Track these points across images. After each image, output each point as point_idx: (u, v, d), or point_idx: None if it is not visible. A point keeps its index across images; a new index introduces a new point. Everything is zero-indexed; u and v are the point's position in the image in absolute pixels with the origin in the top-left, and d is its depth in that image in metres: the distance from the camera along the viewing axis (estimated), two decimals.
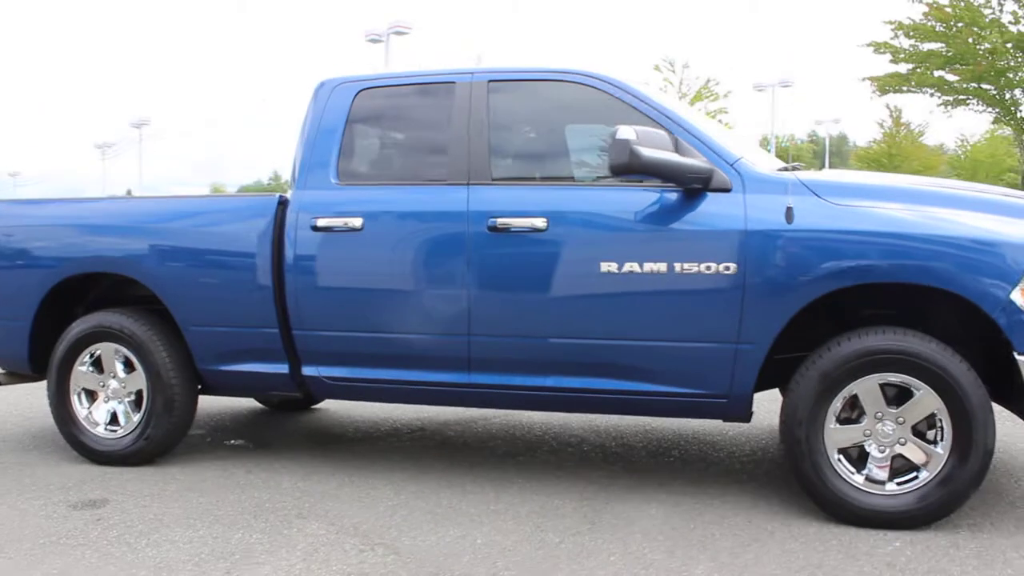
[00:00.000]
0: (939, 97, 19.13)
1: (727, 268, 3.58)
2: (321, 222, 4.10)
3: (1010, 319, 3.33)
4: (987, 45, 13.00)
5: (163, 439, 4.50)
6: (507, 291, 3.88)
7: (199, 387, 4.58)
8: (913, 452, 3.50)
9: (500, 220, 3.85)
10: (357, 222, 4.05)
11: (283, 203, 4.26)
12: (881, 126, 29.39)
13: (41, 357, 4.78)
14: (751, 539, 3.44)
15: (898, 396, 3.51)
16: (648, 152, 3.47)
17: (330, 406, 6.11)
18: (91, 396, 4.65)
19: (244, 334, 4.31)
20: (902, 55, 14.51)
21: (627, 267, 3.69)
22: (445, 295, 3.95)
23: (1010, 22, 13.20)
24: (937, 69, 17.57)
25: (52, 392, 4.62)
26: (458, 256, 3.91)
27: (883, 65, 18.19)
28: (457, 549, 3.37)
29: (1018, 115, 18.89)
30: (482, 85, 4.08)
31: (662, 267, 3.65)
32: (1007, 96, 18.25)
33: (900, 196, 3.62)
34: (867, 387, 3.50)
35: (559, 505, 3.85)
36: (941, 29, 13.89)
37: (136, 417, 4.51)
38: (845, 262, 3.49)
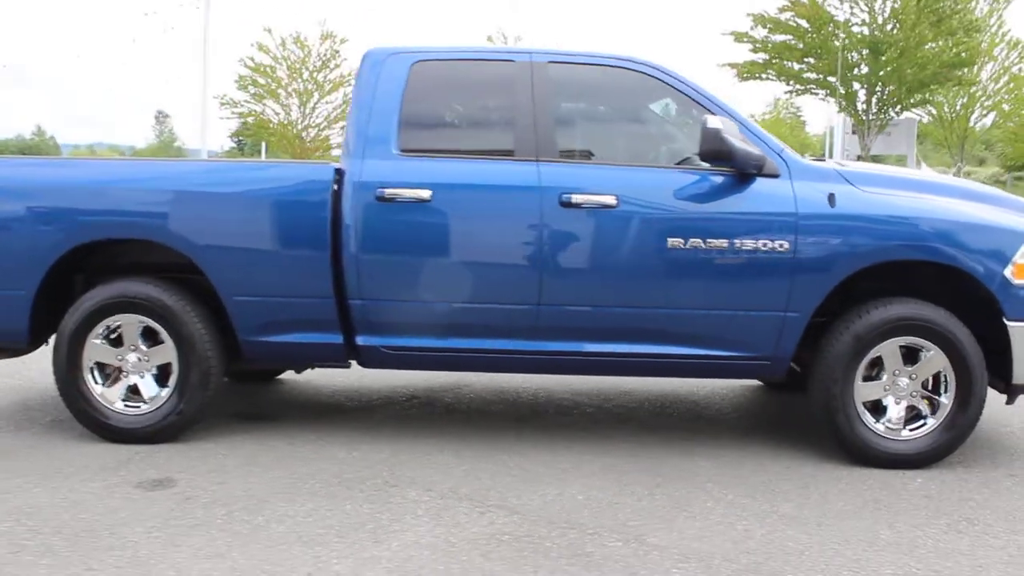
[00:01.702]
0: (790, 85, 21.17)
1: (780, 245, 4.06)
2: (387, 192, 4.13)
3: (1004, 292, 4.06)
4: (836, 43, 14.58)
5: (195, 414, 4.37)
6: (577, 263, 4.15)
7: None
8: (923, 403, 4.18)
9: (573, 196, 4.09)
10: (425, 193, 4.13)
11: (338, 172, 4.23)
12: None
13: (39, 331, 4.45)
14: (802, 483, 3.98)
15: (909, 356, 4.16)
16: (732, 140, 3.87)
17: (292, 377, 6.02)
18: (103, 370, 4.39)
19: (295, 304, 4.26)
20: (759, 45, 15.89)
21: (691, 242, 4.08)
22: (515, 266, 4.15)
23: (857, 23, 14.86)
24: (793, 61, 19.39)
25: (61, 367, 4.31)
26: (530, 229, 4.12)
27: (743, 54, 20.04)
28: (570, 506, 3.64)
29: (857, 106, 21.23)
30: (542, 66, 4.28)
31: (723, 243, 4.08)
32: (851, 88, 20.54)
33: (918, 187, 4.27)
34: (890, 349, 4.13)
35: (616, 463, 4.20)
36: (803, 25, 15.35)
37: (164, 392, 4.33)
38: (878, 242, 4.08)
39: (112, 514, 3.45)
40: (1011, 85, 33.78)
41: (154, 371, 4.38)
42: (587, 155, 4.35)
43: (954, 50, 14.93)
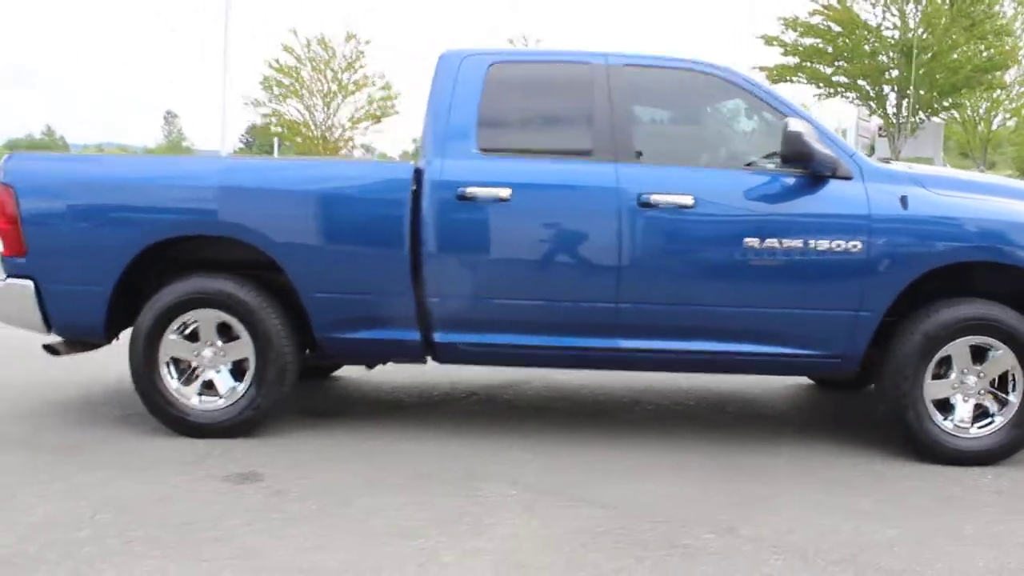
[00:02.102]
0: (822, 88, 21.32)
1: (854, 246, 4.12)
2: (468, 191, 4.19)
3: None
4: (867, 47, 14.72)
5: (270, 409, 4.41)
6: (656, 262, 4.21)
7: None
8: (991, 401, 4.25)
9: (652, 196, 4.15)
10: (505, 192, 4.19)
11: (416, 171, 4.29)
12: None
13: (114, 325, 4.50)
14: (874, 479, 4.05)
15: (977, 354, 4.23)
16: (813, 142, 3.93)
17: (348, 373, 6.07)
18: (177, 365, 4.43)
19: (373, 301, 4.32)
20: (790, 49, 16.03)
21: (767, 243, 4.14)
22: (595, 265, 4.21)
23: (888, 27, 15.00)
24: (824, 64, 19.53)
25: (138, 362, 4.36)
26: (609, 229, 4.17)
27: (774, 57, 20.19)
28: (654, 500, 3.70)
29: (888, 108, 21.39)
30: (618, 69, 4.34)
31: (798, 243, 4.14)
32: (882, 91, 20.69)
33: (986, 189, 4.35)
34: (959, 348, 4.19)
35: (688, 459, 4.26)
36: (834, 28, 15.48)
37: (240, 387, 4.38)
38: (949, 244, 4.15)
39: (207, 507, 3.49)
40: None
41: (229, 366, 4.42)
42: (662, 156, 4.40)
43: (985, 54, 15.08)
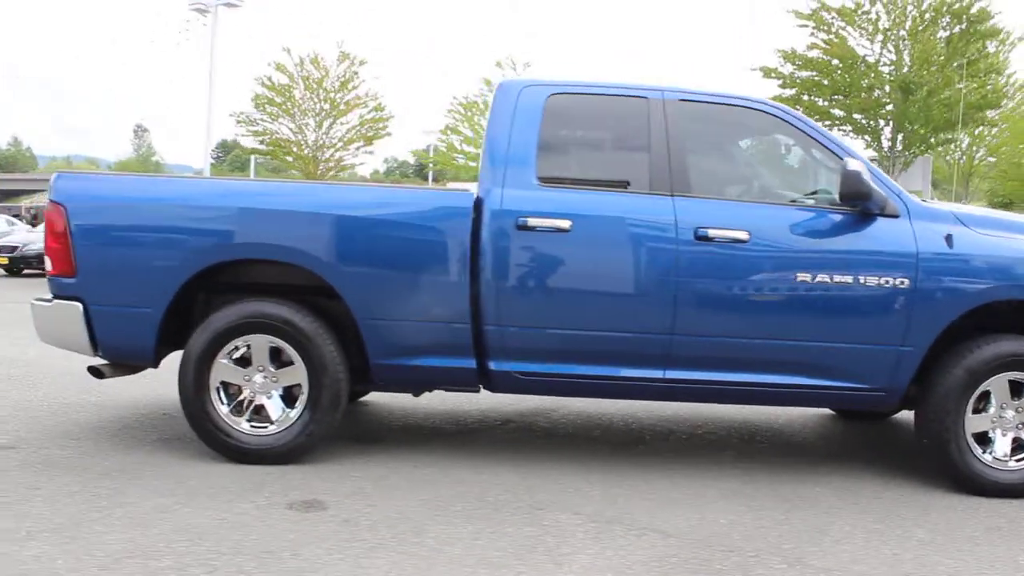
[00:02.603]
0: (818, 120, 21.73)
1: (902, 283, 4.25)
2: (530, 221, 4.24)
3: None
4: (865, 82, 15.10)
5: (323, 436, 4.40)
6: (711, 295, 4.29)
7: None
8: (1020, 433, 4.38)
9: (709, 230, 4.24)
10: (565, 224, 4.25)
11: (476, 200, 4.33)
12: None
13: (163, 349, 4.46)
14: (922, 510, 4.14)
15: (1014, 390, 4.37)
16: (871, 182, 4.06)
17: (376, 399, 6.08)
18: (226, 390, 4.41)
19: (430, 328, 4.34)
20: (788, 81, 16.41)
21: (819, 278, 4.25)
22: (651, 296, 4.28)
23: (885, 64, 15.39)
24: (821, 97, 19.96)
25: (189, 387, 4.33)
26: (666, 261, 4.25)
27: (772, 89, 20.45)
28: (717, 529, 3.76)
29: (882, 142, 21.89)
30: (674, 104, 4.44)
31: (848, 279, 4.25)
32: (878, 125, 21.16)
33: (1021, 229, 4.49)
34: (998, 383, 4.33)
35: (738, 488, 4.34)
36: (834, 62, 15.90)
37: (293, 413, 4.37)
38: (992, 282, 4.29)
39: (282, 536, 3.48)
40: (1004, 126, 34.99)
41: (280, 392, 4.41)
42: (716, 190, 4.50)
43: (979, 91, 15.61)
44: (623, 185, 4.43)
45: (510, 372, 4.37)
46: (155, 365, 4.56)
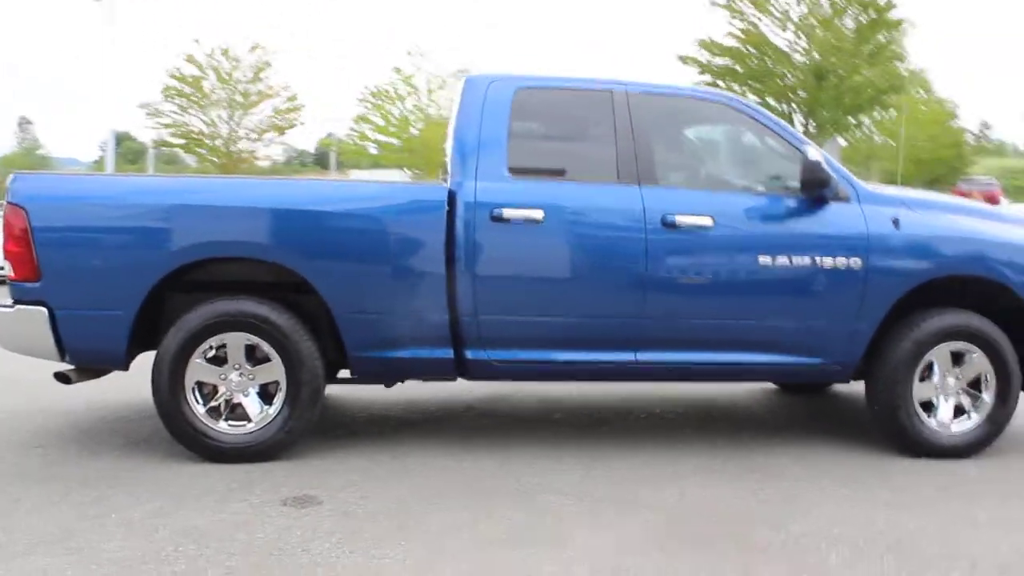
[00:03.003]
0: None
1: (855, 263, 4.52)
2: (504, 213, 4.33)
3: None
4: (780, 69, 15.63)
5: (302, 431, 4.40)
6: (678, 279, 4.47)
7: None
8: (967, 401, 4.74)
9: (676, 217, 4.41)
10: (538, 214, 4.35)
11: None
12: None
13: (133, 351, 4.37)
14: (883, 473, 4.42)
15: (955, 359, 4.71)
16: (829, 170, 4.31)
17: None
18: (200, 390, 4.35)
19: (408, 320, 4.38)
20: (705, 68, 16.81)
21: (779, 260, 4.48)
22: (622, 283, 4.43)
23: (799, 52, 15.93)
24: (737, 84, 20.47)
25: (164, 388, 4.25)
26: (636, 248, 4.41)
27: (693, 76, 20.72)
28: (703, 502, 3.95)
29: (796, 125, 22.57)
30: (637, 96, 4.59)
31: (806, 260, 4.50)
32: (791, 110, 21.83)
33: (959, 210, 4.84)
34: (941, 353, 4.66)
35: (709, 463, 4.54)
36: (750, 51, 16.37)
37: (271, 410, 4.35)
38: (937, 260, 4.61)
39: (287, 532, 3.48)
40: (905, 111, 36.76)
41: (257, 389, 4.38)
42: (679, 179, 4.67)
43: (885, 78, 16.42)
44: (592, 176, 4.55)
45: (487, 360, 4.45)
46: (125, 368, 4.46)
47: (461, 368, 4.52)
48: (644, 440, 4.96)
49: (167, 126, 16.70)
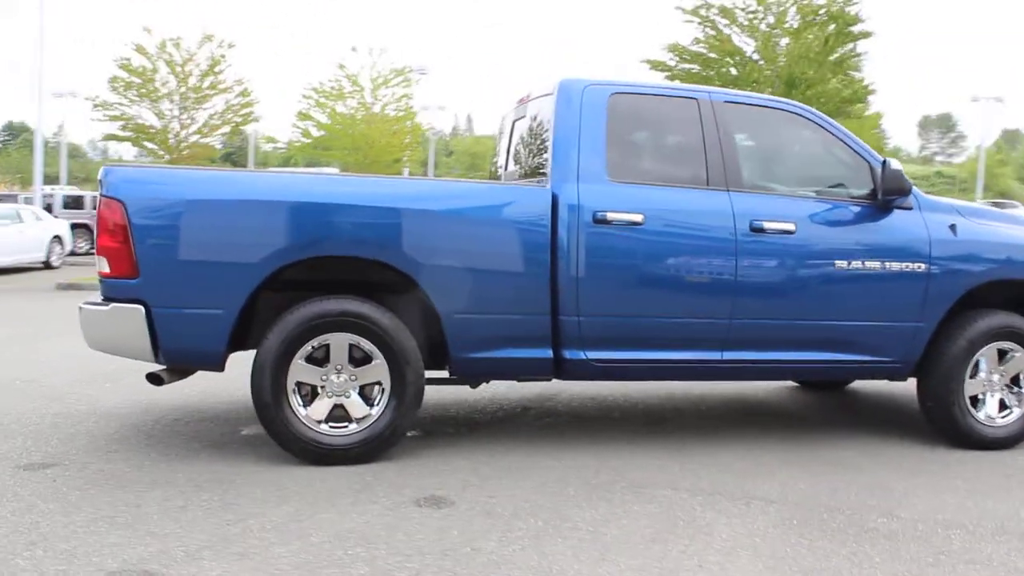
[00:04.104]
0: None
1: (919, 267, 4.82)
2: (610, 215, 4.42)
3: None
4: (741, 75, 16.12)
5: (404, 432, 4.38)
6: (763, 282, 4.66)
7: None
8: (1009, 397, 5.11)
9: (763, 222, 4.61)
10: (638, 217, 4.47)
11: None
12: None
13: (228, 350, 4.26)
14: (947, 462, 4.73)
15: (1000, 356, 5.06)
16: (908, 179, 4.58)
17: None
18: (300, 391, 4.28)
19: (511, 321, 4.41)
20: (675, 74, 17.07)
21: (853, 264, 4.73)
22: (713, 284, 4.59)
23: (767, 59, 16.43)
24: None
25: (265, 390, 4.16)
26: (726, 251, 4.58)
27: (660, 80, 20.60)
28: (806, 493, 4.13)
29: None
30: (721, 104, 4.76)
31: (877, 265, 4.77)
32: None
33: (1004, 218, 5.21)
34: (989, 351, 5.01)
35: (786, 456, 4.75)
36: (724, 58, 16.74)
37: (375, 411, 4.31)
38: (989, 265, 4.96)
39: (444, 533, 3.47)
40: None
41: (358, 390, 4.33)
42: (761, 186, 4.86)
43: (850, 88, 17.19)
44: (684, 181, 4.69)
45: (585, 360, 4.53)
46: (220, 368, 4.33)
47: (558, 368, 4.58)
48: (711, 436, 5.13)
49: (115, 119, 15.92)
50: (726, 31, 16.16)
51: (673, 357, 4.65)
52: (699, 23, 16.63)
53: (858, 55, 17.00)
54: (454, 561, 3.21)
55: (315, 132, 21.44)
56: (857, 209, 4.85)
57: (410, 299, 4.39)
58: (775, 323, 4.72)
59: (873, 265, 4.77)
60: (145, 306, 4.08)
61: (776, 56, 16.37)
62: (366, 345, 4.27)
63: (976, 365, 5.03)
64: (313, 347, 4.25)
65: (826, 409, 6.15)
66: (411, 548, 3.31)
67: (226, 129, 16.49)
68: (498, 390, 6.05)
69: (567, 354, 4.52)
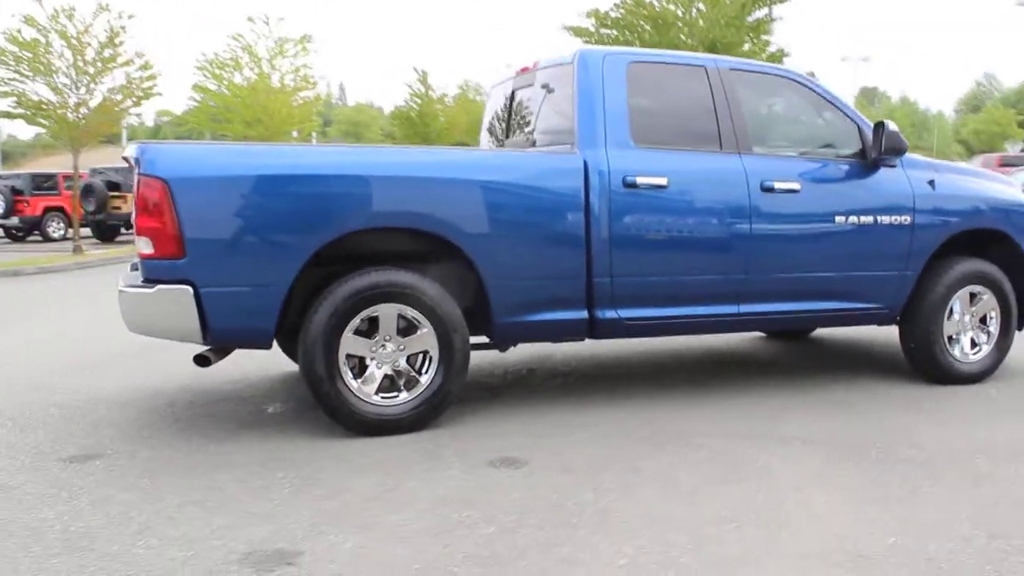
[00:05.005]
0: None
1: (905, 220, 5.22)
2: (638, 180, 4.58)
3: None
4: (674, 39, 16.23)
5: (454, 399, 4.45)
6: (774, 238, 4.94)
7: None
8: (979, 335, 5.61)
9: (773, 183, 4.88)
10: (663, 180, 4.65)
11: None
12: (410, 87, 32.45)
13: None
14: (936, 398, 5.16)
15: (971, 299, 5.54)
16: (904, 139, 4.94)
17: None
18: (349, 361, 4.27)
19: (550, 284, 4.53)
20: (597, 39, 17.04)
21: (851, 219, 5.09)
22: (732, 241, 4.83)
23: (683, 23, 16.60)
24: None
25: (319, 364, 4.14)
26: (742, 211, 4.83)
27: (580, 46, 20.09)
28: (835, 432, 4.44)
29: None
30: (727, 72, 4.99)
31: (870, 219, 5.14)
32: None
33: (972, 173, 5.68)
34: (963, 295, 5.49)
35: (794, 401, 5.08)
36: (642, 25, 16.77)
37: (424, 379, 4.35)
38: (964, 216, 5.42)
39: (535, 490, 3.57)
40: None
41: (406, 360, 4.36)
42: (766, 148, 5.11)
43: (764, 53, 17.67)
44: (699, 145, 4.89)
45: (618, 319, 4.70)
46: (269, 346, 4.27)
47: (591, 328, 4.73)
48: (715, 387, 5.40)
49: (6, 95, 14.62)
50: None
51: (696, 312, 4.88)
52: None
53: (773, 19, 17.67)
54: (569, 514, 3.33)
55: (212, 104, 20.64)
56: (849, 168, 5.19)
57: (447, 268, 4.44)
58: (784, 276, 5.02)
59: (867, 220, 5.13)
60: (193, 286, 3.97)
61: (695, 20, 16.81)
62: (411, 314, 4.30)
63: (951, 308, 5.49)
64: (361, 319, 4.24)
65: (802, 356, 6.55)
66: (517, 507, 3.40)
67: (128, 104, 15.61)
68: (494, 354, 6.15)
69: (600, 314, 4.68)
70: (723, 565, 2.93)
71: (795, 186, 4.96)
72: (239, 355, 4.98)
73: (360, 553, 2.97)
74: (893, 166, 5.27)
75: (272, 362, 5.83)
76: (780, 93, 5.31)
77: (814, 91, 5.24)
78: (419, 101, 32.42)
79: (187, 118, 24.18)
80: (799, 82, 5.23)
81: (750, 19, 17.46)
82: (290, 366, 5.69)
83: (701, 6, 16.81)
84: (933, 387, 5.43)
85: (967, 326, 5.57)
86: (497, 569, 2.86)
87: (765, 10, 17.36)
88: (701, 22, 16.60)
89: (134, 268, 4.85)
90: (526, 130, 5.34)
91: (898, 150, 5.07)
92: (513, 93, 5.55)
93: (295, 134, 22.04)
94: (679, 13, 17.00)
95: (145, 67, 15.30)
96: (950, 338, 5.51)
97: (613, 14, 17.33)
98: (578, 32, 17.81)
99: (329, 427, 4.37)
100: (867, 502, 3.52)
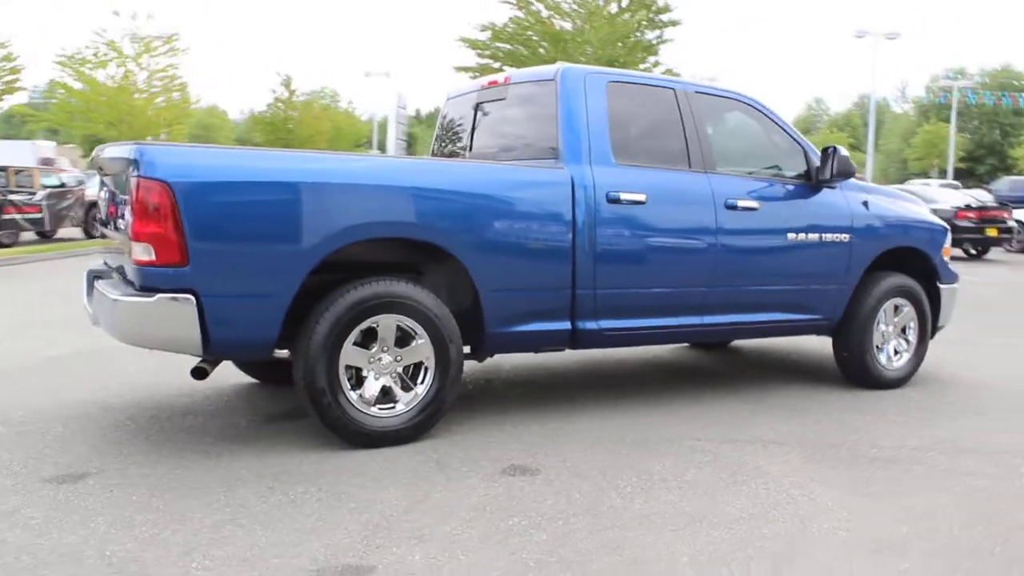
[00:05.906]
0: None
1: (844, 237, 5.65)
2: (621, 195, 4.76)
3: (939, 265, 6.20)
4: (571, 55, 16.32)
5: (447, 408, 4.44)
6: (737, 253, 5.23)
7: None
8: (901, 343, 6.13)
9: (736, 200, 5.18)
10: (642, 197, 4.84)
11: None
12: (273, 92, 31.41)
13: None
14: (872, 402, 5.60)
15: (895, 310, 6.05)
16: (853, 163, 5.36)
17: None
18: (347, 372, 4.20)
19: (538, 296, 4.61)
20: (487, 51, 16.91)
21: (800, 236, 5.46)
22: (701, 256, 5.08)
23: (580, 41, 16.79)
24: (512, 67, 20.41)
25: (320, 376, 4.05)
26: (710, 227, 5.09)
27: (473, 59, 19.87)
28: (818, 430, 4.76)
29: None
30: (692, 94, 5.26)
31: (816, 236, 5.53)
32: None
33: (895, 196, 6.21)
34: (888, 306, 5.97)
35: (758, 405, 5.39)
36: (535, 39, 16.77)
37: (420, 389, 4.33)
38: (891, 236, 5.92)
39: (562, 496, 3.65)
40: None
41: (400, 370, 4.33)
42: (728, 169, 5.38)
43: (657, 67, 18.24)
44: (671, 164, 5.12)
45: (598, 330, 4.84)
46: (268, 357, 4.12)
47: (573, 338, 4.84)
48: (677, 394, 5.63)
49: None
50: (543, 13, 16.88)
51: (667, 323, 5.09)
52: (515, 5, 17.16)
53: (664, 41, 18.47)
54: (611, 517, 3.43)
55: (73, 102, 19.30)
56: (797, 188, 5.57)
57: (440, 279, 4.45)
58: (743, 289, 5.32)
59: (814, 237, 5.52)
60: (195, 295, 3.80)
61: (588, 39, 17.35)
62: (408, 325, 4.28)
63: (878, 319, 5.97)
64: (361, 329, 4.18)
65: (746, 366, 6.88)
66: (554, 511, 3.47)
67: None
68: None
69: (582, 325, 4.81)
70: (773, 557, 3.11)
71: (754, 204, 5.27)
72: (178, 368, 4.75)
73: (434, 564, 2.95)
74: (833, 187, 5.69)
75: (216, 374, 5.58)
76: (737, 116, 5.63)
77: (766, 115, 5.60)
78: (282, 106, 31.66)
79: (45, 115, 22.51)
80: (753, 106, 5.57)
81: (647, 38, 18.21)
82: (237, 377, 5.49)
83: (587, 26, 17.41)
84: (861, 392, 5.86)
85: (891, 335, 6.07)
86: (579, 570, 2.93)
87: (657, 32, 18.20)
88: (595, 41, 17.19)
89: (97, 277, 4.59)
90: (497, 143, 5.41)
91: (847, 173, 5.49)
92: (479, 105, 5.61)
93: (164, 136, 21.03)
94: (570, 29, 17.53)
95: (8, 58, 14.19)
96: (877, 347, 5.99)
97: (509, 29, 17.64)
98: (474, 45, 18.00)
99: (319, 439, 4.29)
100: (864, 497, 3.81)
